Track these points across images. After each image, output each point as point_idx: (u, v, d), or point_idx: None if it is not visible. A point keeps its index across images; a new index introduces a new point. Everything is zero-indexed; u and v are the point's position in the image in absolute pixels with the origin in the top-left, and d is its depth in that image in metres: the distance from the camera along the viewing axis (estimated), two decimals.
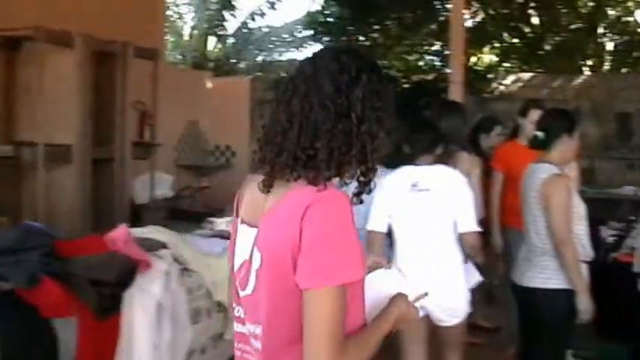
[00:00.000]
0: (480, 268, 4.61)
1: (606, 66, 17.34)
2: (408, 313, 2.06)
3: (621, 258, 6.20)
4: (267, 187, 1.94)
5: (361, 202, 1.96)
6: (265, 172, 1.94)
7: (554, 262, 4.06)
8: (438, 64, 15.27)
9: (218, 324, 4.98)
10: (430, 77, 14.04)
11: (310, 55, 2.04)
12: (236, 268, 2.04)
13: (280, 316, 1.88)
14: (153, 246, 4.47)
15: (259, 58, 18.52)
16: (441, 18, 14.30)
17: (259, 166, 1.97)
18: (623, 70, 17.21)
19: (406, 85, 13.21)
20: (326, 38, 15.46)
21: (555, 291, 4.07)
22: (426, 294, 2.23)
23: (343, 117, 1.87)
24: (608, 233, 7.17)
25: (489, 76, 14.14)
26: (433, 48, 16.40)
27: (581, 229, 4.20)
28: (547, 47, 17.04)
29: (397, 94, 12.35)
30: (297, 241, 1.79)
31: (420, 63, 16.13)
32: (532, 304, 4.26)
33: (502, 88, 13.40)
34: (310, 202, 1.81)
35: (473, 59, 16.98)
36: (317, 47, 16.50)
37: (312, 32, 16.12)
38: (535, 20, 17.02)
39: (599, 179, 12.66)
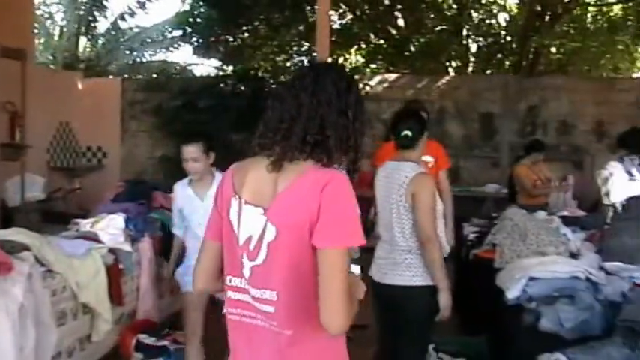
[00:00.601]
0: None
1: (471, 67, 17.85)
2: (359, 282, 2.50)
3: (482, 254, 6.33)
4: (277, 167, 2.29)
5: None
6: (273, 154, 2.30)
7: (419, 260, 4.15)
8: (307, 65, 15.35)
9: (85, 325, 4.99)
10: None
11: (308, 64, 2.51)
12: (241, 242, 2.33)
13: (296, 279, 2.24)
14: (15, 248, 4.44)
15: (130, 59, 18.31)
16: (311, 19, 14.40)
17: (260, 150, 2.36)
18: (488, 72, 17.78)
19: (274, 86, 13.23)
20: (195, 39, 15.39)
21: (420, 288, 4.16)
22: (361, 274, 2.53)
23: (343, 114, 2.35)
24: (470, 230, 7.42)
25: (356, 77, 14.25)
26: (303, 49, 16.50)
27: (440, 226, 4.31)
28: (413, 48, 17.39)
29: (265, 96, 12.46)
30: (316, 211, 2.19)
31: (288, 64, 16.21)
32: (396, 301, 4.32)
33: (368, 88, 13.59)
34: (328, 180, 2.22)
35: (340, 60, 17.24)
36: (187, 48, 16.44)
37: (181, 33, 16.00)
38: (401, 22, 17.30)
39: (464, 178, 13.09)
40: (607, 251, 5.64)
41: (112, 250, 5.45)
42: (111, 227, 5.67)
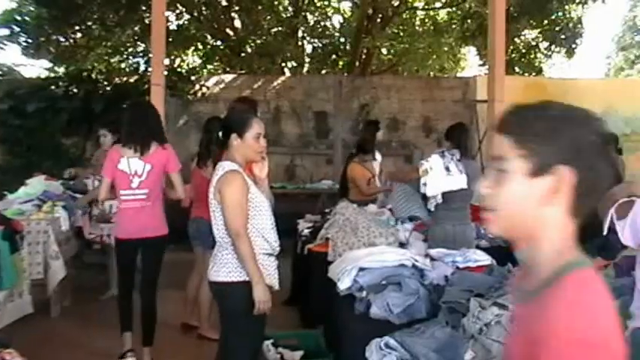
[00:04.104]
0: None
1: (306, 67, 18.16)
2: None
3: (316, 248, 6.53)
4: (143, 148, 5.63)
5: None
6: (138, 144, 5.63)
7: (232, 256, 4.20)
8: (144, 66, 15.14)
9: None
10: (132, 79, 13.81)
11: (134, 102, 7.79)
12: (132, 172, 5.62)
13: (158, 184, 5.77)
14: None
15: None
16: (146, 19, 14.17)
17: (130, 142, 5.67)
18: (323, 72, 18.16)
19: (108, 88, 12.93)
20: (23, 38, 14.79)
21: (235, 284, 4.19)
22: None
23: None
24: (305, 226, 7.57)
25: (193, 77, 14.18)
26: (139, 49, 16.26)
27: (263, 223, 4.32)
28: (249, 49, 17.50)
29: (98, 97, 12.20)
30: (168, 159, 5.74)
31: (123, 65, 15.94)
32: (217, 298, 4.41)
33: (205, 89, 13.58)
34: (169, 150, 5.80)
35: (177, 61, 17.15)
36: (14, 48, 15.66)
37: (8, 32, 15.28)
38: (238, 23, 17.39)
39: (299, 175, 13.39)
40: (432, 239, 5.95)
41: None
42: None
